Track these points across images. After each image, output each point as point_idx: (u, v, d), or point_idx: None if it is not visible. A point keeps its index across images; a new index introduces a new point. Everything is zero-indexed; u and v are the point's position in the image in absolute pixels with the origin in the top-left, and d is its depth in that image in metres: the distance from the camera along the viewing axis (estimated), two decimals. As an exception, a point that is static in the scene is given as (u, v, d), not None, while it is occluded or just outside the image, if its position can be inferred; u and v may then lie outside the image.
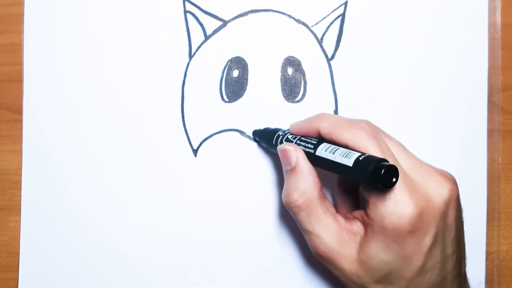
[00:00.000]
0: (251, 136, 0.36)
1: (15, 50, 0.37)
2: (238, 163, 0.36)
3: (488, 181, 0.36)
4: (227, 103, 0.36)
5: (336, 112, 0.36)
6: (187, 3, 0.36)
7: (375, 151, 0.28)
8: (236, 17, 0.36)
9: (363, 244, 0.28)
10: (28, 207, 0.37)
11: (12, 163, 0.37)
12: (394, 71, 0.36)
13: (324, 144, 0.30)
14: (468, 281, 0.31)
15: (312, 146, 0.30)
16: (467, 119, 0.36)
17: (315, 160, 0.30)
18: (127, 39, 0.37)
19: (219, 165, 0.36)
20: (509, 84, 0.36)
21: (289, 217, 0.36)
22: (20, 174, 0.37)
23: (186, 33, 0.36)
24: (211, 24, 0.36)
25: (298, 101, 0.36)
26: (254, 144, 0.36)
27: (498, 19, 0.36)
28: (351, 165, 0.27)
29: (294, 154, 0.30)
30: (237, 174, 0.36)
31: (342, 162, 0.28)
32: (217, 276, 0.36)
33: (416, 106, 0.36)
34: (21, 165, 0.37)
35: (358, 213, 0.30)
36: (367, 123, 0.30)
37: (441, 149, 0.36)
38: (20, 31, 0.37)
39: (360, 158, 0.27)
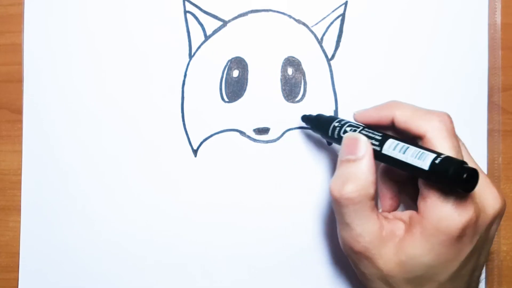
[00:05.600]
0: (251, 135, 0.36)
1: (15, 50, 0.37)
2: (238, 163, 0.36)
3: (488, 181, 0.36)
4: (227, 103, 0.36)
5: (336, 112, 0.36)
6: (187, 3, 0.36)
7: (451, 151, 0.27)
8: (236, 17, 0.36)
9: (404, 244, 0.28)
10: (28, 207, 0.37)
11: (12, 163, 0.37)
12: (394, 71, 0.36)
13: (391, 140, 0.28)
14: None
15: (377, 143, 0.29)
16: (467, 119, 0.36)
17: (380, 157, 0.28)
18: (127, 39, 0.37)
19: (219, 165, 0.36)
20: (509, 84, 0.36)
21: (289, 217, 0.36)
22: (20, 174, 0.37)
23: (186, 33, 0.36)
24: (211, 24, 0.36)
25: (298, 101, 0.36)
26: (254, 144, 0.36)
27: (498, 19, 0.36)
28: (426, 168, 0.25)
29: (365, 146, 0.28)
30: (237, 174, 0.36)
31: (416, 165, 0.26)
32: (217, 275, 0.36)
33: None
34: (21, 165, 0.37)
35: (402, 213, 0.29)
36: (449, 116, 0.28)
37: (441, 149, 0.36)
38: (20, 31, 0.37)
39: (436, 161, 0.25)
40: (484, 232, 0.28)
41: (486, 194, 0.28)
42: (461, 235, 0.27)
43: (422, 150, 0.26)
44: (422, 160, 0.26)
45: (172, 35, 0.36)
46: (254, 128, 0.36)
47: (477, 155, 0.36)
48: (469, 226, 0.26)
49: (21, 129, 0.37)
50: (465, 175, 0.24)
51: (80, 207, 0.37)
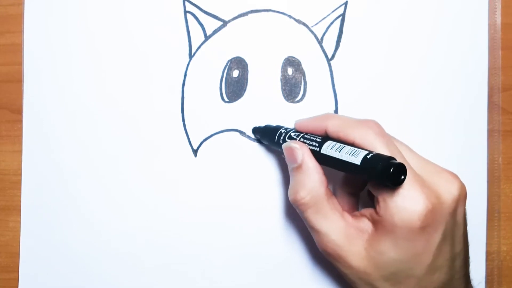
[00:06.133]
0: (251, 135, 0.36)
1: (15, 50, 0.37)
2: (238, 163, 0.36)
3: (488, 181, 0.36)
4: (227, 103, 0.36)
5: (336, 112, 0.36)
6: (187, 3, 0.36)
7: (383, 150, 0.28)
8: (236, 17, 0.36)
9: (372, 241, 0.28)
10: (28, 207, 0.37)
11: (12, 163, 0.37)
12: (394, 71, 0.36)
13: (330, 142, 0.30)
14: (472, 281, 0.31)
15: (317, 144, 0.30)
16: (467, 119, 0.36)
17: (320, 158, 0.30)
18: (127, 39, 0.37)
19: (219, 165, 0.36)
20: (509, 84, 0.36)
21: (289, 217, 0.36)
22: (20, 174, 0.37)
23: (186, 33, 0.36)
24: (211, 24, 0.36)
25: (298, 101, 0.36)
26: (254, 144, 0.36)
27: (498, 19, 0.36)
28: (358, 163, 0.27)
29: (300, 151, 0.30)
30: (237, 174, 0.36)
31: (349, 161, 0.28)
32: (217, 276, 0.36)
33: (416, 106, 0.36)
34: (21, 165, 0.37)
35: (366, 211, 0.30)
36: (375, 122, 0.30)
37: (441, 149, 0.36)
38: (20, 31, 0.37)
39: (368, 157, 0.27)
40: (450, 219, 0.28)
41: (439, 181, 0.28)
42: (422, 226, 0.27)
43: (356, 149, 0.28)
44: (355, 156, 0.27)
45: (172, 35, 0.36)
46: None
47: (477, 155, 0.36)
48: (427, 215, 0.27)
49: (21, 129, 0.37)
50: (391, 169, 0.25)
51: (80, 207, 0.37)
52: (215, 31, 0.36)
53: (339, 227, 0.29)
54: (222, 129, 0.36)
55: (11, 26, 0.37)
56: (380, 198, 0.28)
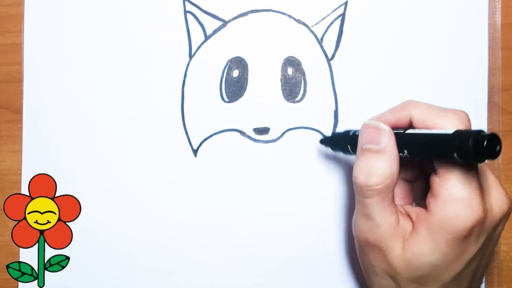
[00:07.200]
0: (251, 135, 0.36)
1: (15, 50, 0.37)
2: (238, 163, 0.36)
3: (488, 181, 0.36)
4: (227, 103, 0.36)
5: (336, 112, 0.36)
6: (187, 3, 0.36)
7: None
8: (236, 17, 0.36)
9: (411, 242, 0.28)
10: (28, 207, 0.37)
11: (12, 163, 0.37)
12: (394, 71, 0.36)
13: (412, 129, 0.28)
14: None
15: (401, 131, 0.28)
16: (467, 119, 0.36)
17: (401, 140, 0.28)
18: (127, 39, 0.37)
19: (219, 165, 0.36)
20: (509, 84, 0.36)
21: (289, 217, 0.36)
22: (20, 174, 0.37)
23: (186, 33, 0.36)
24: (211, 24, 0.36)
25: (298, 101, 0.36)
26: (254, 144, 0.36)
27: (498, 19, 0.36)
28: (451, 133, 0.25)
29: (388, 135, 0.28)
30: (237, 174, 0.36)
31: (441, 132, 0.25)
32: (217, 276, 0.36)
33: (416, 106, 0.36)
34: (21, 165, 0.37)
35: (411, 209, 0.29)
36: (466, 114, 0.28)
37: (441, 149, 0.36)
38: (20, 31, 0.37)
39: (459, 131, 0.25)
40: (490, 233, 0.28)
41: (494, 194, 0.28)
42: (467, 235, 0.26)
43: (443, 129, 0.26)
44: (444, 132, 0.26)
45: (172, 35, 0.36)
46: (254, 128, 0.36)
47: (477, 155, 0.36)
48: (477, 226, 0.26)
49: (21, 129, 0.37)
50: (487, 139, 0.23)
51: (80, 207, 0.37)
52: (215, 31, 0.36)
53: (390, 221, 0.28)
54: (222, 129, 0.36)
55: (11, 26, 0.37)
56: (440, 197, 0.27)
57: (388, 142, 0.28)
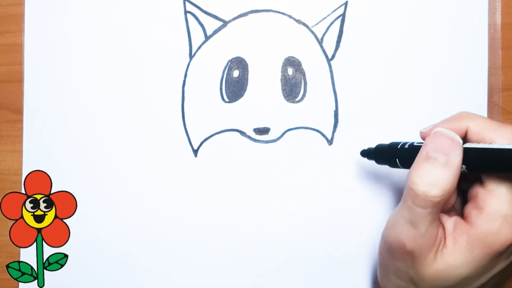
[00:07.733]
0: (251, 135, 0.36)
1: (15, 50, 0.37)
2: (238, 163, 0.36)
3: (488, 181, 0.36)
4: (227, 103, 0.36)
5: (336, 112, 0.36)
6: (187, 3, 0.36)
7: None
8: (236, 17, 0.36)
9: (445, 252, 0.27)
10: (28, 207, 0.37)
11: (12, 163, 0.37)
12: (394, 71, 0.36)
13: (469, 143, 0.27)
14: None
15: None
16: (467, 119, 0.36)
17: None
18: (127, 39, 0.37)
19: (219, 165, 0.36)
20: (509, 84, 0.36)
21: (289, 217, 0.36)
22: (20, 174, 0.37)
23: (186, 33, 0.36)
24: (211, 24, 0.36)
25: (298, 101, 0.36)
26: (254, 144, 0.36)
27: (498, 19, 0.36)
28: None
29: (460, 149, 0.27)
30: (237, 174, 0.36)
31: (504, 147, 0.25)
32: (217, 276, 0.36)
33: (416, 106, 0.36)
34: (21, 165, 0.37)
35: (447, 219, 0.29)
36: None
37: (441, 149, 0.36)
38: (20, 31, 0.37)
39: None
40: None
41: None
42: (503, 251, 0.26)
43: (505, 143, 0.26)
44: (506, 146, 0.25)
45: (172, 35, 0.36)
46: (254, 128, 0.36)
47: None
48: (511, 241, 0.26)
49: (21, 129, 0.37)
50: None
51: (80, 207, 0.37)
52: (215, 31, 0.36)
53: (434, 233, 0.28)
54: (222, 129, 0.36)
55: (11, 26, 0.37)
56: (485, 211, 0.27)
57: (458, 156, 0.27)
